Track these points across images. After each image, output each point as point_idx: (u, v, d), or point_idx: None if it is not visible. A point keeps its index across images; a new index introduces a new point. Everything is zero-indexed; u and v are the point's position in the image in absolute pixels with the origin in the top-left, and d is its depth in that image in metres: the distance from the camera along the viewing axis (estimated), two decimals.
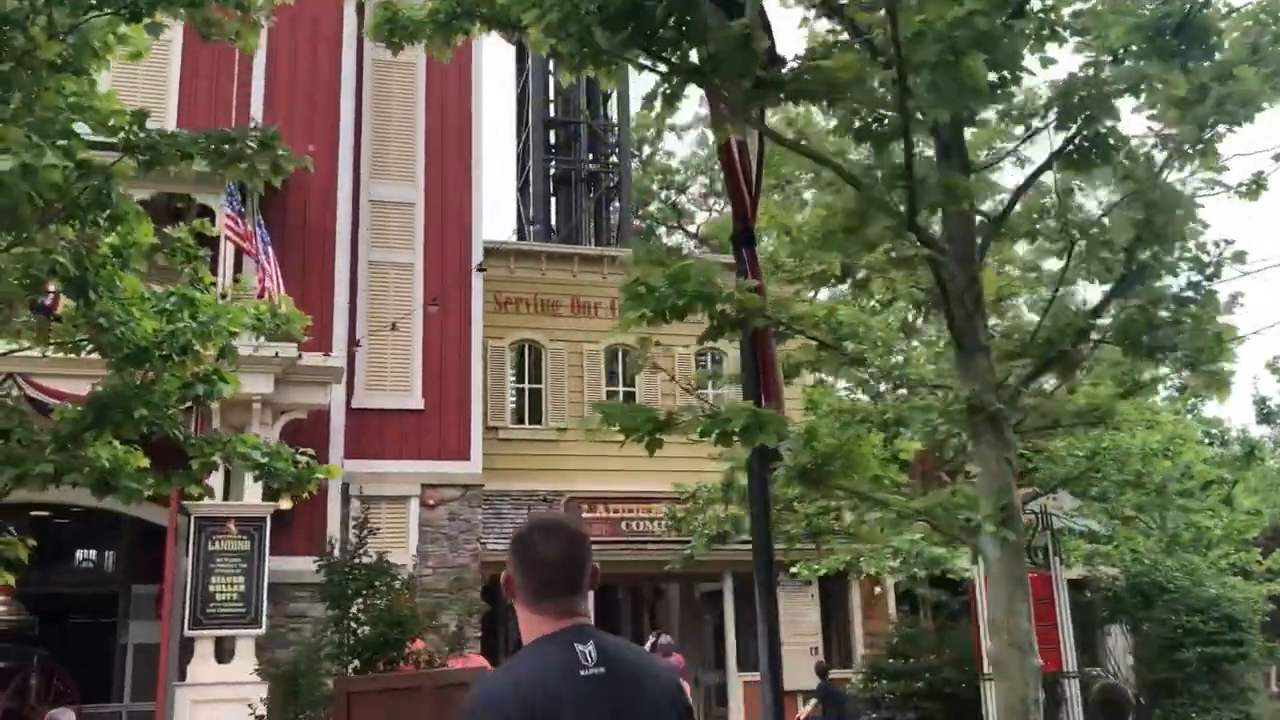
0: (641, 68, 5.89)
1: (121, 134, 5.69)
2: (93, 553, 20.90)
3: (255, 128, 5.67)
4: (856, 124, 5.15)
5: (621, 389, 21.78)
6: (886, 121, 4.88)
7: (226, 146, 5.61)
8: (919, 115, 4.90)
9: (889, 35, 4.38)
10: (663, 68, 5.77)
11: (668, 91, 5.86)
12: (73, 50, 5.81)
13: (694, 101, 38.31)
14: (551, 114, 25.97)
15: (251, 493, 15.47)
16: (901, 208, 5.04)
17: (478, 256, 19.12)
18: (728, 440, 5.73)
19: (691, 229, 37.89)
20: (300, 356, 14.95)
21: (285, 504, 15.98)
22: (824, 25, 6.18)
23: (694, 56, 5.87)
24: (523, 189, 27.22)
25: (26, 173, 4.88)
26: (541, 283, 21.56)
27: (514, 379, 21.13)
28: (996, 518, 4.68)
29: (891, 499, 5.82)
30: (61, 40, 5.66)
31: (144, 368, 6.56)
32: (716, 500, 16.28)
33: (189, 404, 6.86)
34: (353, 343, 17.38)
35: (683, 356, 21.92)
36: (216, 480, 15.35)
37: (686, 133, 38.81)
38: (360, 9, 19.09)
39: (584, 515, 18.95)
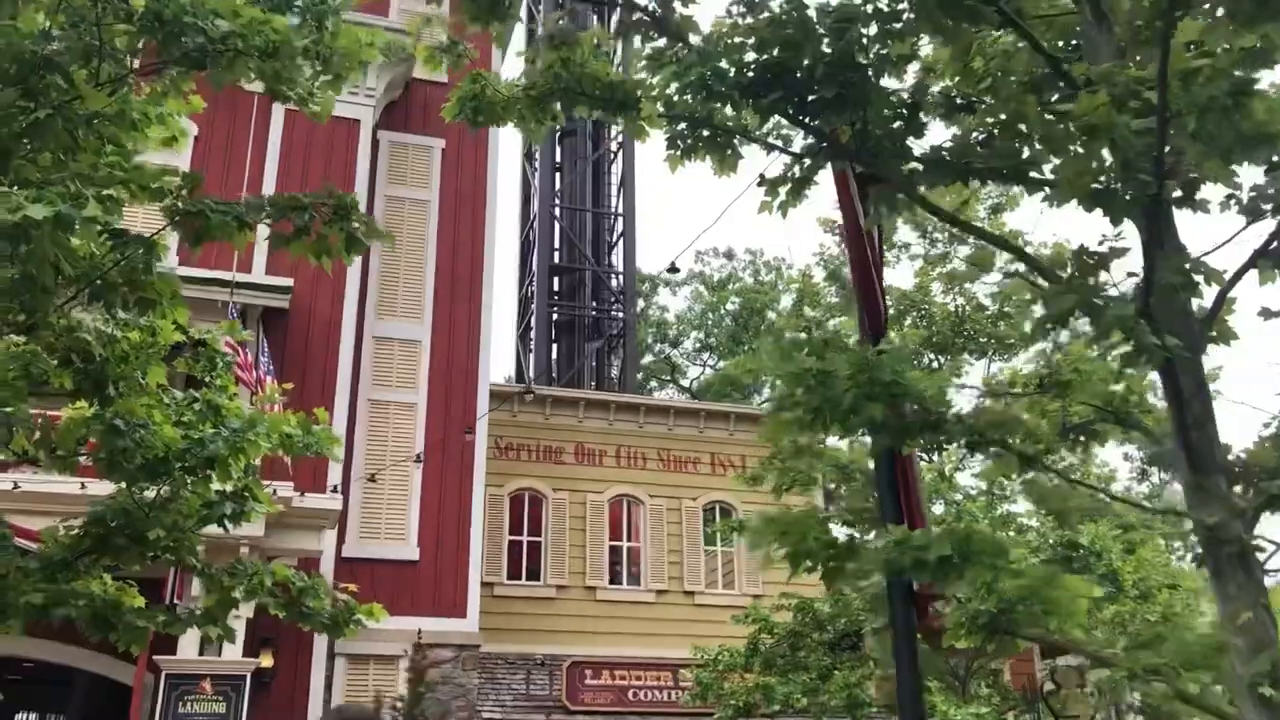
0: (770, 147, 5.13)
1: (168, 199, 4.81)
2: (43, 716, 19.01)
3: (330, 193, 4.80)
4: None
5: (625, 543, 20.55)
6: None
7: (294, 214, 4.73)
8: (1127, 194, 4.11)
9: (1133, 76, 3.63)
10: (800, 144, 5.01)
11: (799, 175, 5.08)
12: (111, 118, 4.99)
13: (688, 259, 38.28)
14: (556, 260, 25.53)
15: (231, 647, 14.00)
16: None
17: (484, 401, 18.18)
18: (922, 572, 4.68)
19: (684, 383, 37.23)
20: (302, 495, 13.78)
21: (267, 661, 14.56)
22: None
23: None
24: (523, 335, 26.58)
25: (60, 225, 3.96)
26: (544, 428, 20.60)
27: (511, 531, 19.88)
28: (1264, 677, 3.69)
29: (1112, 654, 4.76)
30: (109, 94, 4.84)
31: (160, 482, 5.52)
32: (738, 667, 14.93)
33: (211, 525, 5.77)
34: (345, 487, 16.20)
35: (690, 509, 20.84)
36: (193, 629, 13.92)
37: (681, 288, 38.65)
38: (375, 144, 18.74)
39: (587, 683, 17.48)
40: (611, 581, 19.97)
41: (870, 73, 4.36)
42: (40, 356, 5.57)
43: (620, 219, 25.94)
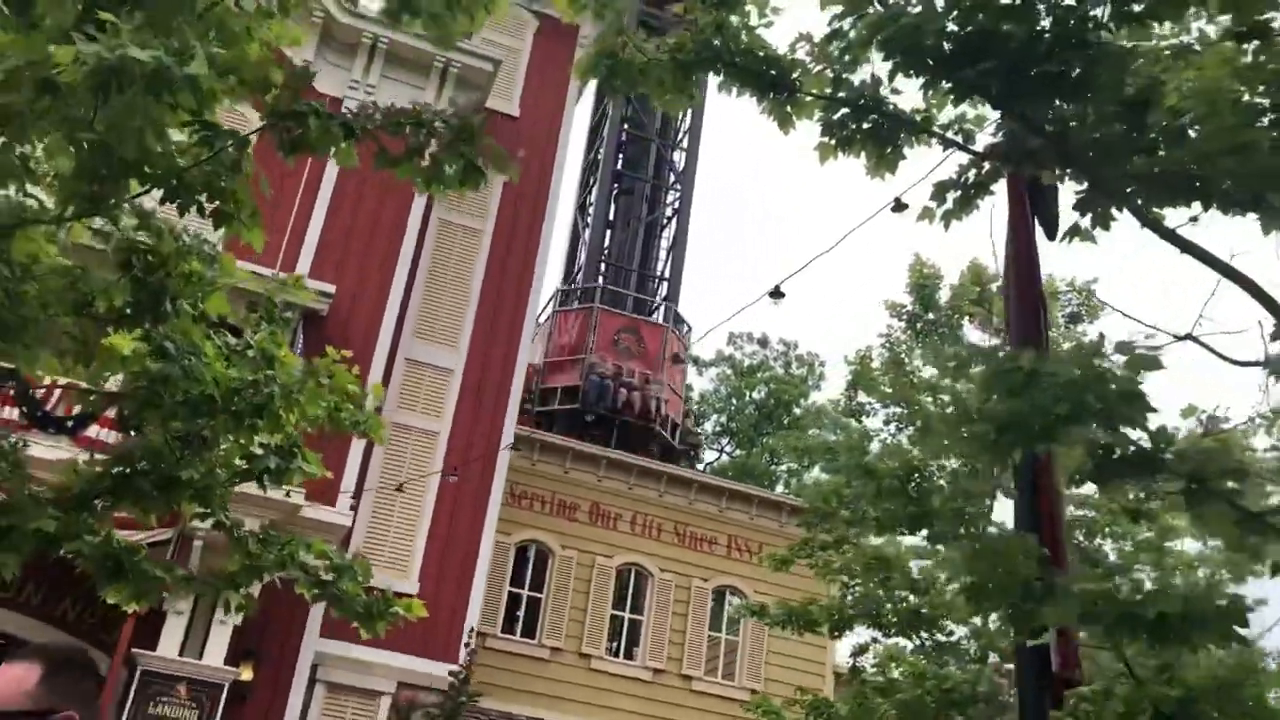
0: (949, 143, 4.59)
1: (271, 94, 4.29)
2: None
3: (453, 111, 4.27)
4: None
5: (628, 615, 19.67)
6: None
7: (409, 131, 4.20)
8: None
9: None
10: (983, 142, 4.46)
11: (976, 178, 4.52)
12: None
13: (719, 340, 37.80)
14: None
15: (214, 651, 13.23)
16: None
17: (507, 440, 17.54)
18: (1129, 630, 3.95)
19: (699, 466, 36.45)
20: (311, 505, 13.14)
21: (247, 674, 13.74)
22: None
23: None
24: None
25: (158, 81, 3.44)
26: (562, 480, 19.90)
27: (513, 582, 19.06)
28: None
29: None
30: None
31: (201, 424, 4.92)
32: None
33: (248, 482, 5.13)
34: (354, 505, 15.50)
35: (699, 590, 19.99)
36: (176, 625, 13.17)
37: (709, 369, 38.15)
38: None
39: None
40: (609, 652, 19.07)
41: (1098, 58, 3.81)
42: (88, 275, 5.03)
43: (665, 283, 25.57)
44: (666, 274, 25.63)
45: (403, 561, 16.25)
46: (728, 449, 37.25)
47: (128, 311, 4.94)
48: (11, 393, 11.33)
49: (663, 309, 24.92)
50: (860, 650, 14.25)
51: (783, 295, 6.80)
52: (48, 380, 13.54)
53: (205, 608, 13.72)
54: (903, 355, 14.99)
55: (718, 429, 37.16)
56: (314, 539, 5.16)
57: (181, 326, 4.74)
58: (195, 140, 4.28)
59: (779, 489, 34.28)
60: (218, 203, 4.56)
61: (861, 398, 14.91)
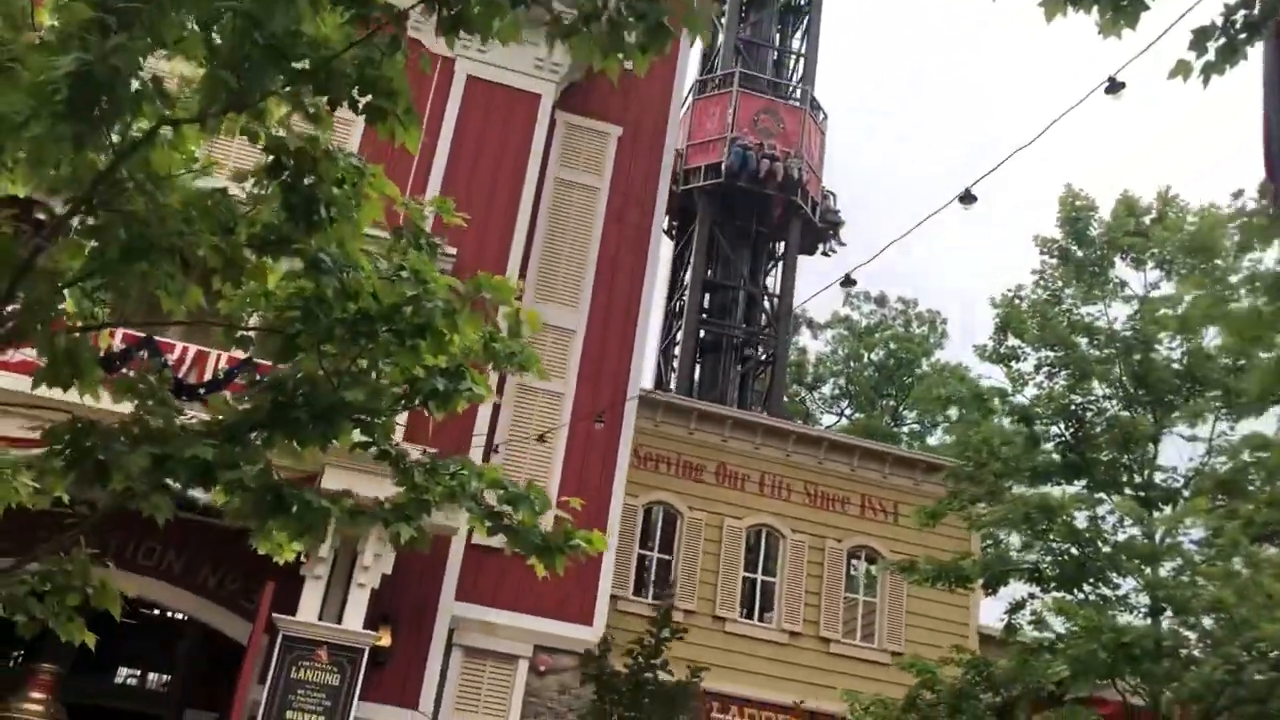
0: None
1: None
2: (142, 667, 18.47)
3: None
4: None
5: (760, 577, 19.15)
6: None
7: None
8: None
9: None
10: None
11: (1248, 19, 3.81)
12: None
13: (835, 301, 36.82)
14: (710, 275, 24.49)
15: (353, 616, 13.12)
16: None
17: (633, 403, 17.10)
18: None
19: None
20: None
21: (385, 639, 13.63)
22: None
23: None
24: (666, 349, 25.56)
25: None
26: (687, 442, 19.41)
27: (642, 545, 18.68)
28: None
29: None
30: None
31: (360, 345, 4.52)
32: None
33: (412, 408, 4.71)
34: (487, 456, 15.23)
35: (834, 551, 19.33)
36: (315, 590, 13.09)
37: (824, 331, 37.24)
38: (552, 123, 18.02)
39: (714, 716, 16.09)
40: (743, 615, 18.58)
41: None
42: (226, 202, 4.67)
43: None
44: (803, 49, 25.50)
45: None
46: (847, 412, 36.36)
47: (272, 237, 4.57)
48: (144, 356, 11.27)
49: (800, 92, 24.88)
50: (1016, 606, 13.47)
51: (974, 199, 6.13)
52: (179, 347, 13.58)
53: (342, 573, 13.64)
54: (1057, 293, 14.04)
55: (836, 392, 36.29)
56: (485, 467, 4.73)
57: (337, 235, 4.34)
58: (346, 19, 3.84)
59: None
60: (370, 96, 4.13)
61: (1012, 341, 14.01)
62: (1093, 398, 13.38)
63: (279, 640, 12.70)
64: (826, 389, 36.58)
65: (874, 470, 20.08)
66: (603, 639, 11.63)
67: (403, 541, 4.56)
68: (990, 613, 19.30)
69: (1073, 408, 13.28)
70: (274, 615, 12.52)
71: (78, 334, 4.86)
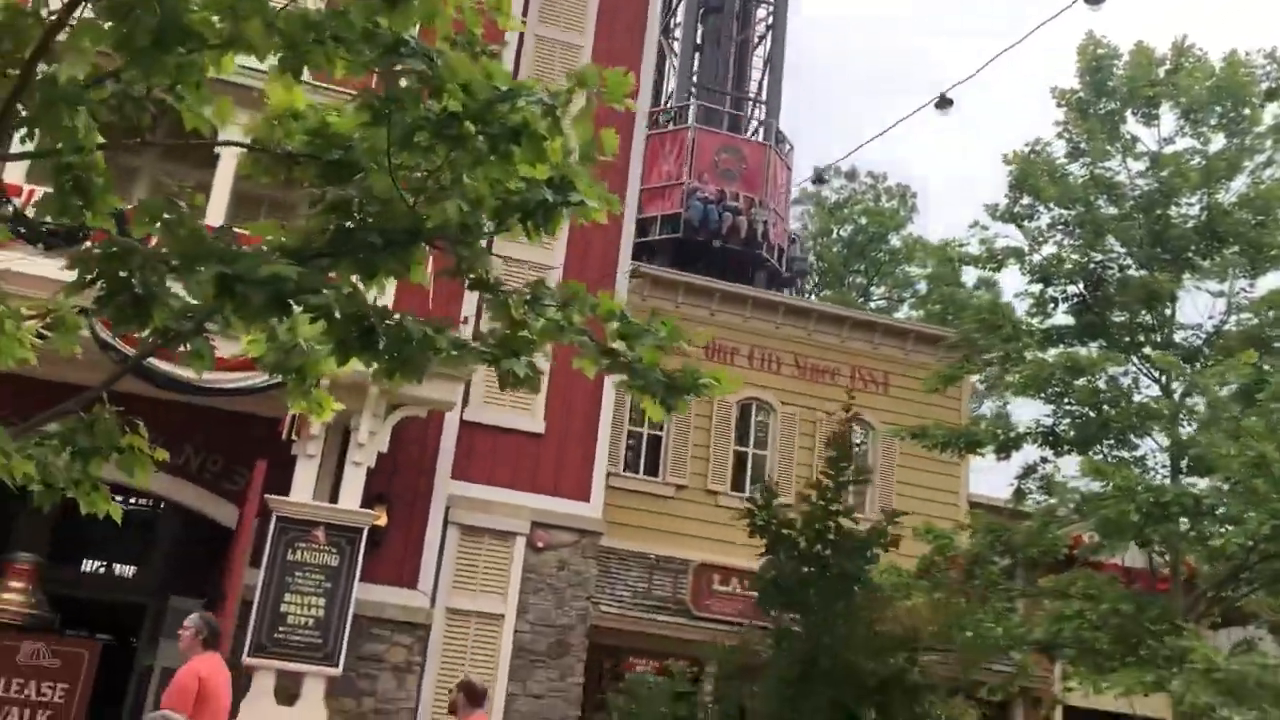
0: None
1: None
2: (119, 555, 17.83)
3: None
4: None
5: (752, 450, 18.85)
6: None
7: None
8: None
9: None
10: None
11: None
12: None
13: (800, 175, 35.91)
14: None
15: (349, 496, 12.54)
16: None
17: (623, 280, 16.36)
18: None
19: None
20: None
21: (382, 519, 13.09)
22: None
23: None
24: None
25: None
26: (674, 316, 18.68)
27: (632, 422, 18.22)
28: None
29: None
30: None
31: (443, 156, 3.78)
32: (905, 587, 13.17)
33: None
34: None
35: (826, 424, 19.00)
36: (307, 471, 12.47)
37: (791, 208, 36.52)
38: None
39: (715, 588, 15.88)
40: (734, 488, 18.30)
41: None
42: None
43: (763, 107, 23.92)
44: (763, 95, 23.94)
45: (525, 401, 15.37)
46: (816, 290, 35.97)
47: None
48: None
49: (763, 128, 23.37)
50: (1028, 471, 13.24)
51: (950, 103, 5.45)
52: None
53: (333, 452, 13.01)
54: (1077, 146, 13.45)
55: (810, 270, 35.80)
56: (602, 295, 4.06)
57: (424, 9, 3.58)
58: None
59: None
60: None
61: (1025, 200, 13.46)
62: (1113, 254, 12.95)
63: (273, 522, 12.10)
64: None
65: (863, 341, 19.71)
66: (766, 488, 10.98)
67: (521, 378, 3.89)
68: (980, 482, 19.25)
69: (1091, 266, 12.85)
70: (266, 496, 11.90)
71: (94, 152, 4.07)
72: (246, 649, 11.60)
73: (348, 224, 4.04)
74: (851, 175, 35.38)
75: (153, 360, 11.23)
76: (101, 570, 17.67)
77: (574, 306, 3.93)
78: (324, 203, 4.05)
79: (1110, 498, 10.48)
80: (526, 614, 14.42)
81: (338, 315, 3.61)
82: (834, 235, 35.70)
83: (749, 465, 18.79)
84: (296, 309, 3.64)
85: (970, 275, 17.21)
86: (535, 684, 14.15)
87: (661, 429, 18.25)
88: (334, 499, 12.72)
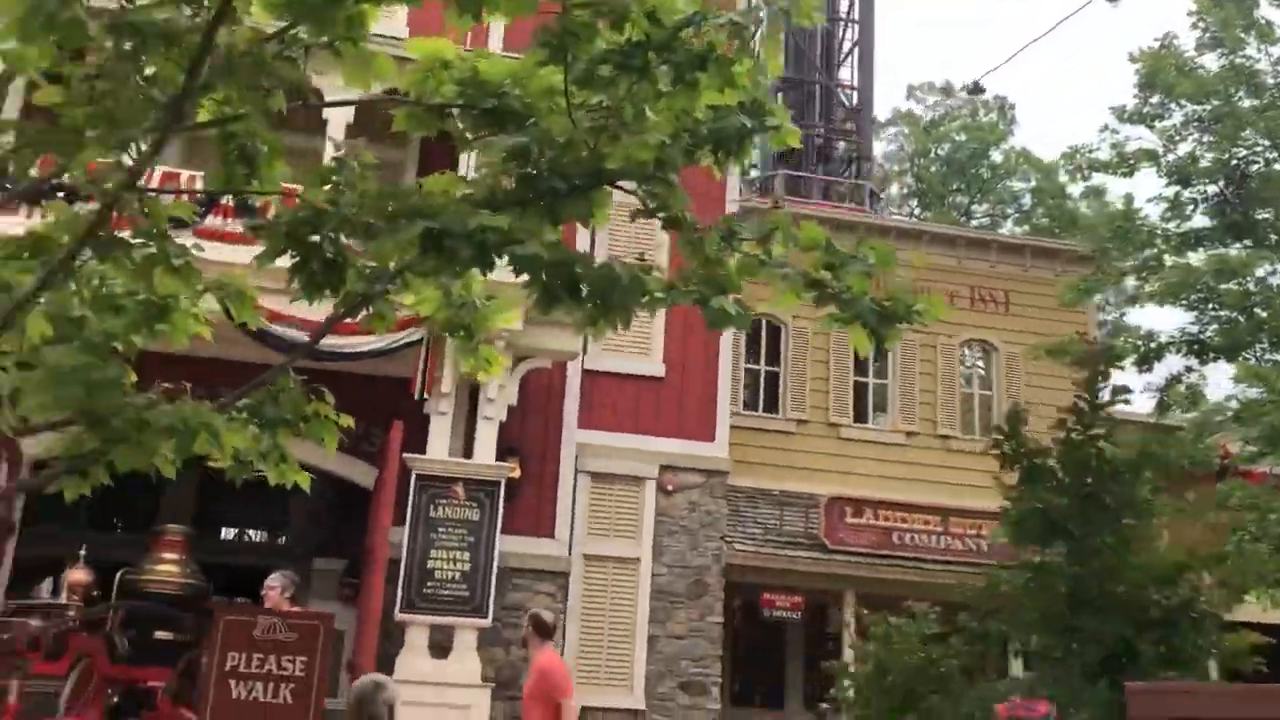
0: None
1: None
2: (259, 522, 18.37)
3: None
4: None
5: (872, 380, 18.53)
6: None
7: None
8: None
9: None
10: None
11: None
12: None
13: (896, 98, 34.94)
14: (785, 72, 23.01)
15: (483, 450, 12.64)
16: None
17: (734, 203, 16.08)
18: None
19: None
20: None
21: (515, 470, 13.19)
22: None
23: None
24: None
25: None
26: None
27: (748, 359, 18.02)
28: None
29: None
30: None
31: (625, 89, 3.60)
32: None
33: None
34: None
35: (945, 347, 18.59)
36: (441, 427, 12.58)
37: (885, 129, 35.61)
38: None
39: (847, 521, 15.71)
40: (856, 420, 18.02)
41: None
42: None
43: (857, 27, 23.20)
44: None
45: (644, 344, 15.29)
46: (916, 212, 35.10)
47: None
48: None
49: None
50: (1173, 380, 12.70)
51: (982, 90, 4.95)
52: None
53: (463, 408, 13.11)
54: (1215, 37, 12.68)
55: (904, 191, 34.94)
56: (804, 224, 3.86)
57: None
58: None
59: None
60: None
61: (1156, 99, 12.77)
62: (1255, 149, 12.24)
63: (413, 480, 12.26)
64: (893, 189, 35.23)
65: (981, 260, 19.12)
66: (1015, 415, 10.43)
67: (732, 316, 3.73)
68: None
69: (1232, 163, 12.17)
70: (405, 455, 12.05)
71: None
72: (398, 605, 11.82)
73: (529, 170, 3.90)
74: (947, 91, 34.26)
75: (287, 329, 11.44)
76: (243, 537, 18.23)
77: (774, 239, 3.73)
78: (501, 150, 3.91)
79: (1271, 403, 9.97)
80: (662, 556, 14.45)
81: (540, 254, 3.47)
82: (931, 155, 34.70)
83: (870, 395, 18.48)
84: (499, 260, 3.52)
85: (1076, 187, 16.47)
86: (676, 625, 14.21)
87: (778, 364, 18.02)
88: (467, 454, 12.85)
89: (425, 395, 12.39)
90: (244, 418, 4.56)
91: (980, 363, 19.22)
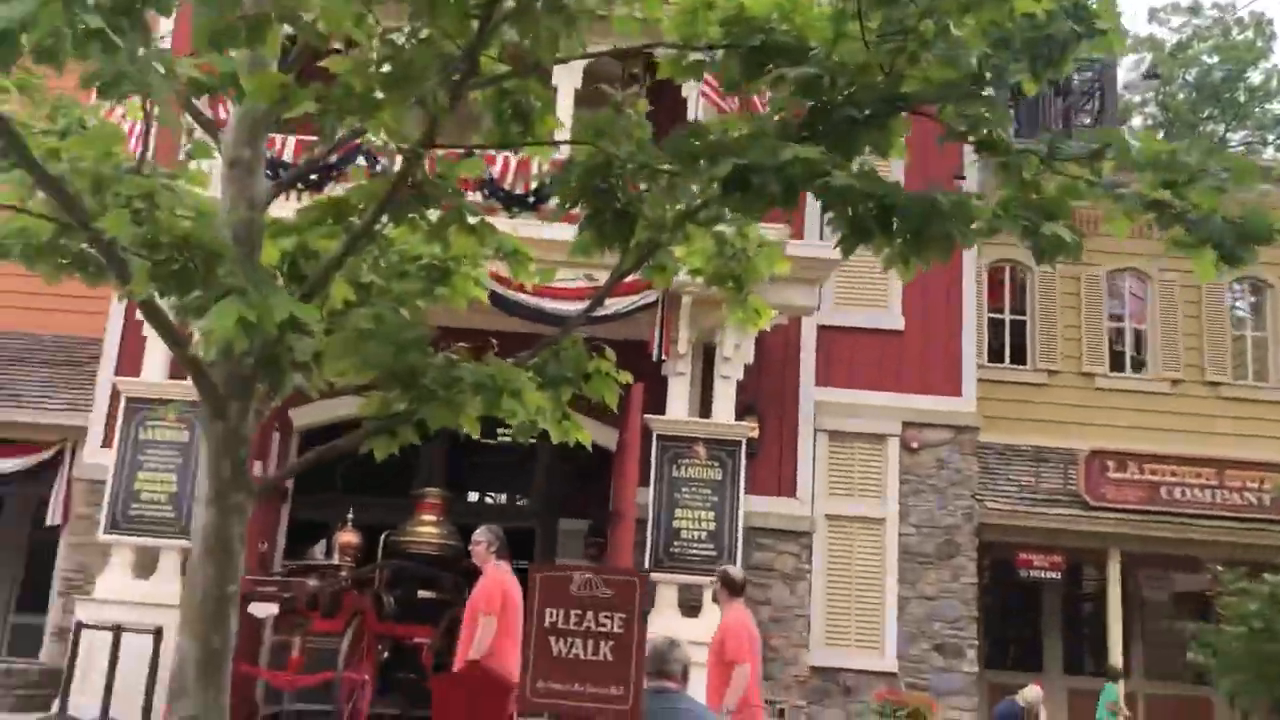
0: None
1: None
2: (500, 486, 18.98)
3: None
4: None
5: (1129, 325, 17.29)
6: None
7: None
8: None
9: None
10: None
11: None
12: None
13: (1137, 21, 32.27)
14: None
15: (722, 410, 12.53)
16: None
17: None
18: None
19: None
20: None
21: (754, 430, 13.01)
22: None
23: None
24: None
25: None
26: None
27: (990, 308, 17.13)
28: None
29: None
30: None
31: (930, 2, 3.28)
32: None
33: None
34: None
35: (1211, 286, 17.08)
36: (680, 388, 12.54)
37: (1123, 58, 33.08)
38: None
39: (1110, 476, 14.74)
40: (1113, 369, 16.87)
41: None
42: None
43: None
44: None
45: (881, 297, 14.77)
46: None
47: None
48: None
49: None
50: None
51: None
52: (500, 158, 12.91)
53: (699, 369, 13.03)
54: None
55: (1148, 123, 32.45)
56: (1141, 135, 3.45)
57: None
58: None
59: None
60: None
61: None
62: None
63: (654, 441, 12.28)
64: (1135, 121, 32.79)
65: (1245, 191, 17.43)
66: None
67: (1066, 245, 3.39)
68: None
69: None
70: (645, 416, 12.08)
71: None
72: (646, 564, 11.89)
73: (820, 103, 3.64)
74: (1195, 10, 31.52)
75: (524, 295, 11.64)
76: (490, 499, 18.90)
77: (1103, 158, 3.34)
78: (790, 83, 3.67)
79: None
80: (909, 516, 13.99)
81: (858, 195, 3.22)
82: (1179, 81, 32.05)
83: (1126, 343, 17.26)
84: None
85: None
86: (926, 586, 13.75)
87: (1024, 313, 17.06)
88: (705, 414, 12.77)
89: (663, 356, 12.36)
90: (530, 377, 4.54)
91: (1249, 302, 17.64)
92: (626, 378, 4.81)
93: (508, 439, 17.65)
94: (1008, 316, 17.10)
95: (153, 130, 3.74)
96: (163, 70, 2.71)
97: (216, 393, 3.39)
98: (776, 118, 3.77)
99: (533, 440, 16.00)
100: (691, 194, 3.48)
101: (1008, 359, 16.87)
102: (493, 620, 7.49)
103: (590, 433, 14.11)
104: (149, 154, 3.44)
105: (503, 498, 18.93)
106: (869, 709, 12.12)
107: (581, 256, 4.66)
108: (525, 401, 3.93)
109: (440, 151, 3.85)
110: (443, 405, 3.56)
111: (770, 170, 3.09)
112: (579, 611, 3.15)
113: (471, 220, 3.87)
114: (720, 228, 4.46)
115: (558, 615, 3.16)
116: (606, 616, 3.13)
